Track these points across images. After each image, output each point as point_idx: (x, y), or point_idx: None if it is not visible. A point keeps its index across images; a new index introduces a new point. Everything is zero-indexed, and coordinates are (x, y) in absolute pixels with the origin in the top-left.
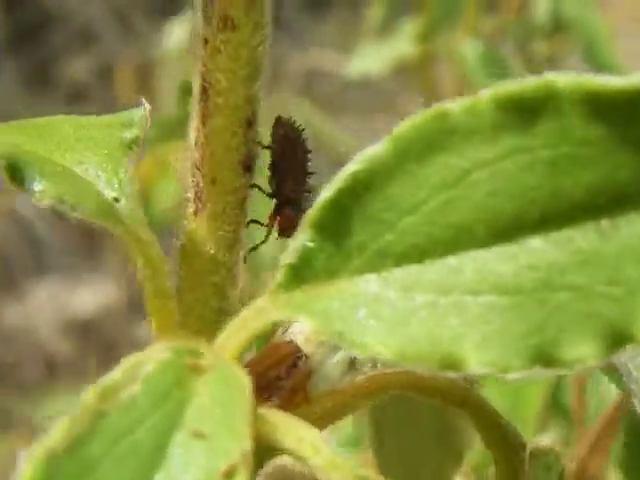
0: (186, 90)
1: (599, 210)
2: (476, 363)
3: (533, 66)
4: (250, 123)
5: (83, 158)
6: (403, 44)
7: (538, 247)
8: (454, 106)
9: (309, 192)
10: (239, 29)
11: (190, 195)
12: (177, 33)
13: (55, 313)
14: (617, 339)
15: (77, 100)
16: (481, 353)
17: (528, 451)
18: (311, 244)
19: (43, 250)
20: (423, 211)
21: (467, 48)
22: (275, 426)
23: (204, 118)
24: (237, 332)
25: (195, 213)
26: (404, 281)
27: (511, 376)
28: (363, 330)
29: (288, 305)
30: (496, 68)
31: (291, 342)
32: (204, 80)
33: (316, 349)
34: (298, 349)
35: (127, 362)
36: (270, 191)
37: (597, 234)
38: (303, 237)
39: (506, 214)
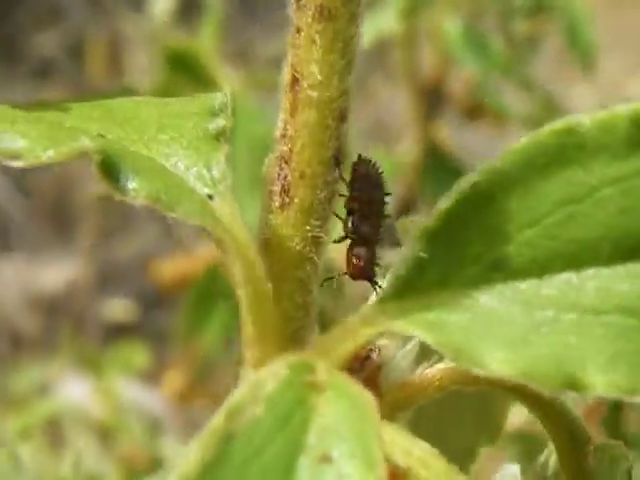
0: (171, 58)
1: None
2: (602, 385)
3: (514, 45)
4: (343, 117)
5: (170, 151)
6: (386, 20)
7: None
8: (585, 120)
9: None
10: (336, 19)
11: (276, 188)
12: (161, 4)
13: (21, 289)
14: None
15: (45, 76)
16: (607, 375)
17: (594, 445)
18: (424, 254)
19: (10, 227)
20: (544, 225)
21: (449, 25)
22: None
23: (294, 110)
24: (342, 341)
25: (282, 207)
26: (522, 295)
27: (638, 399)
28: (483, 346)
29: (399, 314)
30: (477, 46)
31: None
32: (296, 71)
33: (388, 341)
34: (372, 342)
35: (249, 381)
36: (345, 230)
37: None
38: (416, 247)
39: (635, 233)
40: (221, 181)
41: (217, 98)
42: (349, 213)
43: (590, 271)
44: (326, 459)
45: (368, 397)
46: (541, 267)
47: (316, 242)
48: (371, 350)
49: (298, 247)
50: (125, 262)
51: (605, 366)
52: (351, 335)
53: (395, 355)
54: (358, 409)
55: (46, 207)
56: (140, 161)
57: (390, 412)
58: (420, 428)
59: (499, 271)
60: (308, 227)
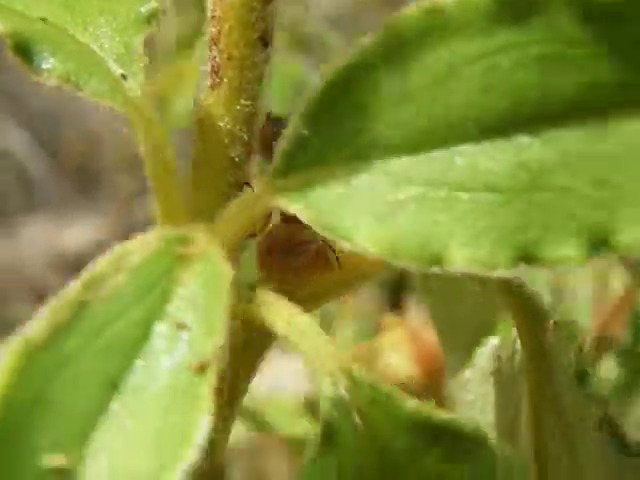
0: None
1: (588, 111)
2: (464, 260)
3: None
4: None
5: (101, 33)
6: None
7: (527, 144)
8: (449, 0)
9: None
10: None
11: (207, 69)
12: None
13: (46, 249)
14: (599, 243)
15: None
16: (470, 250)
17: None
18: (305, 131)
19: (36, 188)
20: (413, 104)
21: None
22: (269, 309)
23: None
24: (234, 218)
25: (212, 87)
26: (395, 172)
27: (496, 273)
28: (351, 222)
29: (283, 192)
30: None
31: None
32: None
33: None
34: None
35: (114, 252)
36: None
37: (586, 135)
38: (298, 125)
39: (497, 110)
40: (136, 61)
41: None
42: None
43: (459, 148)
44: (181, 326)
45: (227, 273)
46: (413, 145)
47: (247, 121)
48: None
49: (229, 126)
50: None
51: (469, 242)
52: (241, 213)
53: None
54: (216, 281)
55: (71, 166)
56: (65, 43)
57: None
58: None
59: (373, 149)
60: (238, 107)
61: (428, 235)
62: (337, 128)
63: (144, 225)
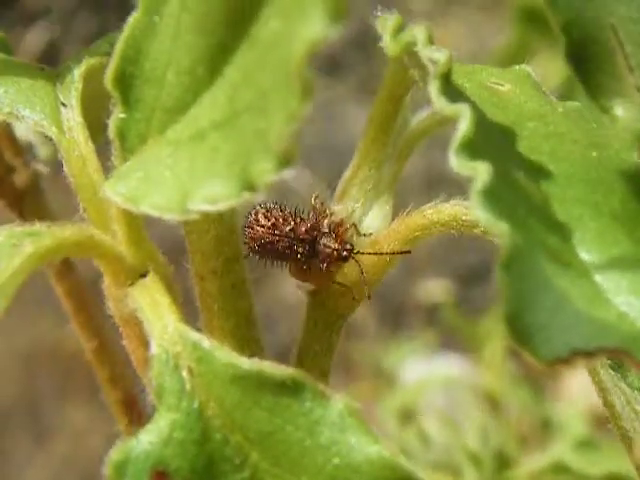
0: None
1: None
2: (201, 199)
3: None
4: None
5: None
6: None
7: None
8: None
9: None
10: None
11: None
12: None
13: None
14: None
15: None
16: (203, 189)
17: None
18: (122, 115)
19: None
20: (169, 66)
21: None
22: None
23: None
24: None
25: None
26: (174, 135)
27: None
28: (141, 191)
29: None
30: None
31: (316, 206)
32: None
33: (348, 206)
34: (324, 210)
35: None
36: None
37: None
38: (117, 111)
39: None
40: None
41: None
42: None
43: (206, 95)
44: None
45: None
46: (185, 104)
47: None
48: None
49: None
50: None
51: (204, 181)
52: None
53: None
54: None
55: None
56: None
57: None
58: None
59: (165, 114)
60: None
61: (181, 186)
62: (139, 105)
63: None
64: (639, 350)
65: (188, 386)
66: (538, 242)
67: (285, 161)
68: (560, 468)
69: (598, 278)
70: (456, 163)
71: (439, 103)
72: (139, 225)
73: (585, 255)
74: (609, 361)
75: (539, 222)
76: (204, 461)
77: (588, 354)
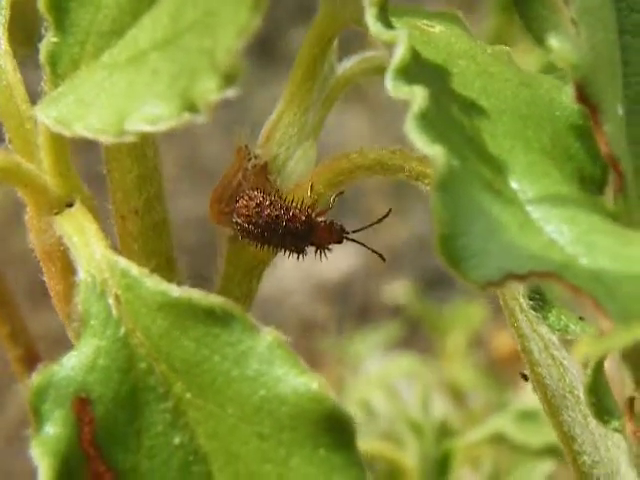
0: None
1: None
2: (139, 120)
3: None
4: None
5: None
6: None
7: None
8: None
9: None
10: None
11: None
12: None
13: (305, 278)
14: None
15: None
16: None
17: None
18: (54, 39)
19: None
20: None
21: None
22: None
23: None
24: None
25: None
26: (110, 59)
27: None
28: (75, 113)
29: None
30: None
31: (240, 148)
32: None
33: (271, 150)
34: (248, 152)
35: None
36: None
37: None
38: (49, 35)
39: None
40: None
41: None
42: None
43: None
44: None
45: None
46: (120, 28)
47: None
48: (249, 160)
49: None
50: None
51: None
52: None
53: (287, 164)
54: None
55: None
56: None
57: None
58: None
59: (101, 38)
60: None
61: (118, 108)
62: (74, 29)
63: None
64: (571, 275)
65: (115, 313)
66: (471, 169)
67: (230, 80)
68: (500, 438)
69: (529, 207)
70: (392, 87)
71: (375, 28)
72: (66, 155)
73: (516, 185)
74: (531, 302)
75: (472, 152)
76: (127, 390)
77: (520, 277)
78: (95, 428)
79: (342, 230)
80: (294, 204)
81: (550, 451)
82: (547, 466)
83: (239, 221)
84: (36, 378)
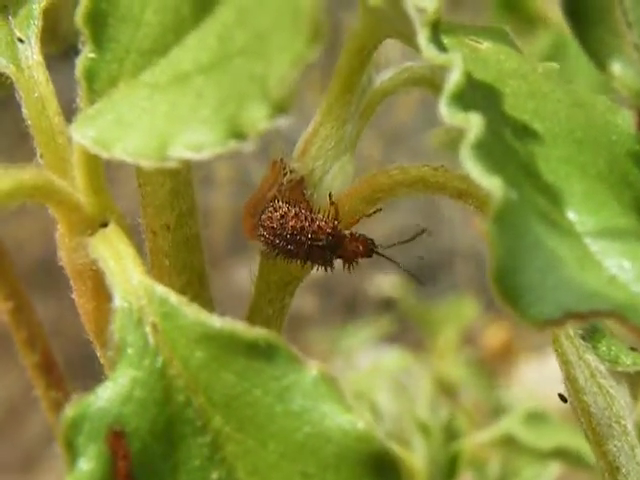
0: None
1: None
2: (183, 146)
3: None
4: None
5: None
6: None
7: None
8: None
9: None
10: None
11: None
12: None
13: None
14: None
15: None
16: (186, 136)
17: None
18: (92, 55)
19: None
20: (147, 3)
21: None
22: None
23: None
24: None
25: None
26: (151, 78)
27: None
28: (113, 134)
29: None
30: None
31: (276, 162)
32: None
33: (308, 164)
34: (284, 167)
35: None
36: None
37: None
38: (87, 50)
39: None
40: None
41: None
42: None
43: (188, 38)
44: None
45: None
46: (165, 45)
47: None
48: (284, 174)
49: None
50: None
51: (188, 128)
52: None
53: (324, 178)
54: None
55: None
56: None
57: None
58: None
59: (140, 56)
60: None
61: (160, 132)
62: (113, 44)
63: None
64: (633, 314)
65: (152, 342)
66: (528, 199)
67: (281, 108)
68: (508, 440)
69: (587, 240)
70: (447, 113)
71: (428, 52)
72: (100, 173)
73: (573, 216)
74: (580, 331)
75: (526, 180)
76: (164, 422)
77: (581, 316)
78: (130, 463)
79: (372, 244)
80: (320, 216)
81: (558, 454)
82: (555, 468)
83: (264, 233)
84: (70, 409)
